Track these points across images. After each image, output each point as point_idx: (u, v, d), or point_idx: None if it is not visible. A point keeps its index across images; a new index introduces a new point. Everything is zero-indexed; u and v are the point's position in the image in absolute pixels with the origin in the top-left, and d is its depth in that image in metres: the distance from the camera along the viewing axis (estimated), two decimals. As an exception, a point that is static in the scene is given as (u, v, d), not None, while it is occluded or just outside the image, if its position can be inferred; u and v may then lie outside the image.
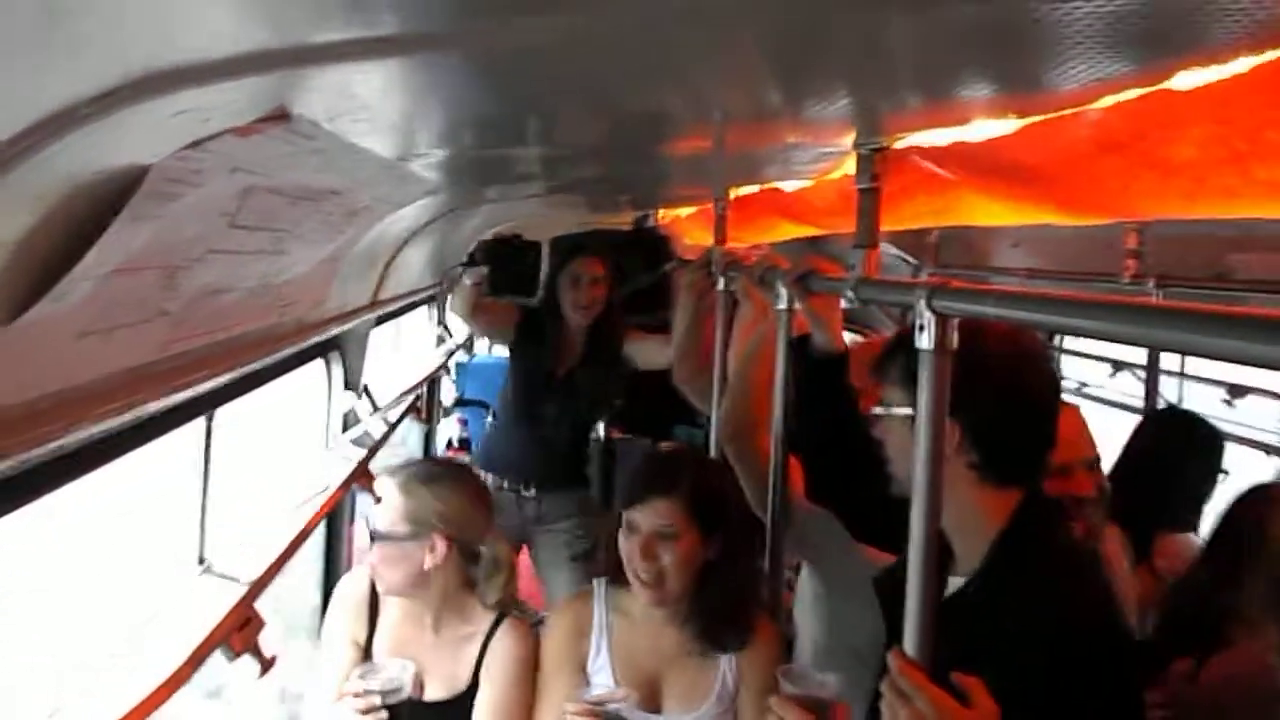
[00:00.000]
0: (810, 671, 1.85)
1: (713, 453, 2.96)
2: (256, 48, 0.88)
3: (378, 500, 2.30)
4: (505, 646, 2.23)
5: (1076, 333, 1.51)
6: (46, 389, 1.17)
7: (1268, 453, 3.47)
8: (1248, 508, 2.18)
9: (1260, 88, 1.01)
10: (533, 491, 3.65)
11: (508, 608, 2.27)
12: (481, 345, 6.56)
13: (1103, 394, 4.46)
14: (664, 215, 5.63)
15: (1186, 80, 1.09)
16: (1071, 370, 4.75)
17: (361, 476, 2.68)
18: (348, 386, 2.94)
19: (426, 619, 2.25)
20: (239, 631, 1.69)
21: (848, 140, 1.94)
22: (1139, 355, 4.08)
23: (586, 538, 3.52)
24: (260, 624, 1.77)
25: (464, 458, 5.52)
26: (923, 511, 1.40)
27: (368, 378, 3.05)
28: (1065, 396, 4.73)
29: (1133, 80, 1.15)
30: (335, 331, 2.51)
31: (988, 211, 2.11)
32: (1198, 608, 2.06)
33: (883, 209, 1.98)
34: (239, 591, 1.87)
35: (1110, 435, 2.95)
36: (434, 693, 2.21)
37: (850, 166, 2.04)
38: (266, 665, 1.79)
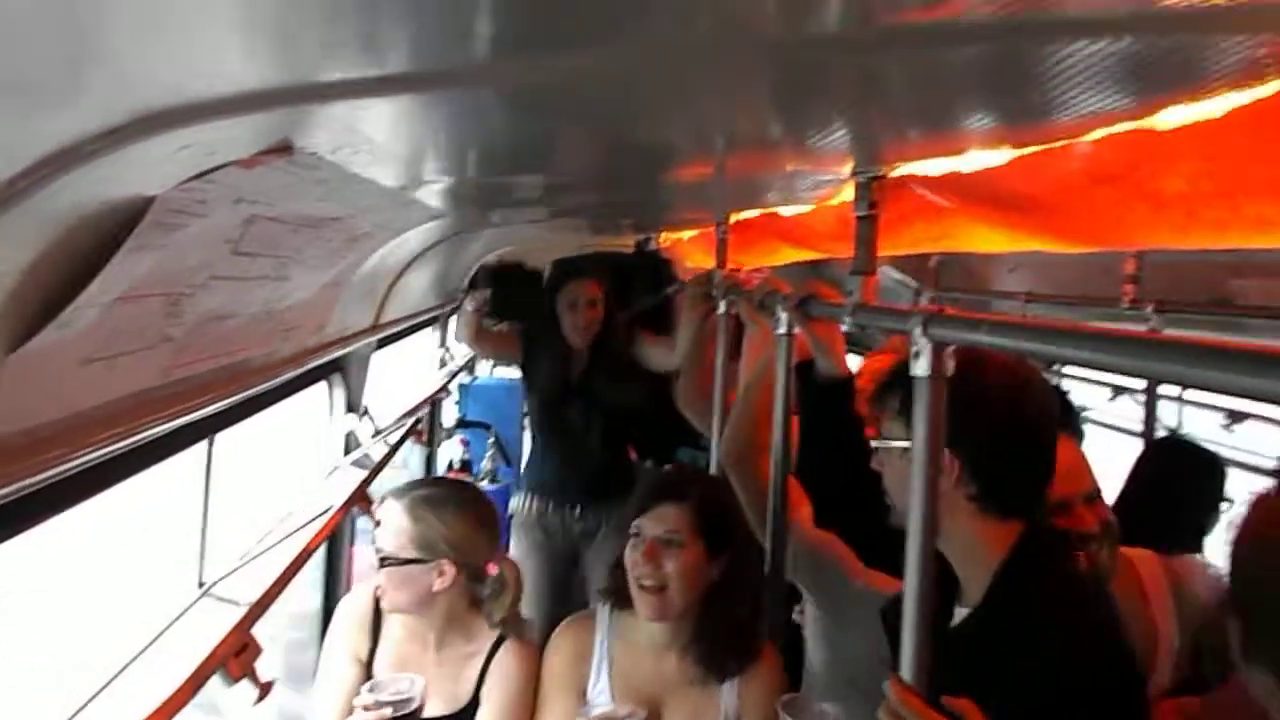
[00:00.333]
0: (811, 702, 1.84)
1: (713, 473, 2.97)
2: (264, 86, 0.89)
3: (377, 524, 2.30)
4: (507, 665, 2.23)
5: (1073, 362, 1.51)
6: (50, 415, 1.18)
7: (1269, 475, 3.47)
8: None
9: (1246, 125, 1.03)
10: (578, 510, 3.71)
11: (511, 627, 2.27)
12: (483, 367, 6.58)
13: (1103, 419, 4.47)
14: (665, 239, 5.66)
15: (1176, 115, 1.10)
16: (1071, 395, 4.74)
17: (361, 499, 2.68)
18: (349, 409, 2.95)
19: (429, 637, 2.25)
20: (237, 656, 1.69)
21: (847, 168, 1.96)
22: (1139, 379, 4.09)
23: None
24: (258, 649, 1.77)
25: (466, 478, 5.52)
26: (918, 540, 1.41)
27: (369, 400, 3.06)
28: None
29: (1124, 115, 1.17)
30: (337, 355, 2.53)
31: (984, 239, 2.13)
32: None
33: (881, 235, 1.99)
34: (238, 614, 1.87)
35: (1113, 459, 2.96)
36: (434, 709, 2.21)
37: (849, 193, 2.05)
38: (264, 691, 1.79)
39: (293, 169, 1.21)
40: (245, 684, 1.76)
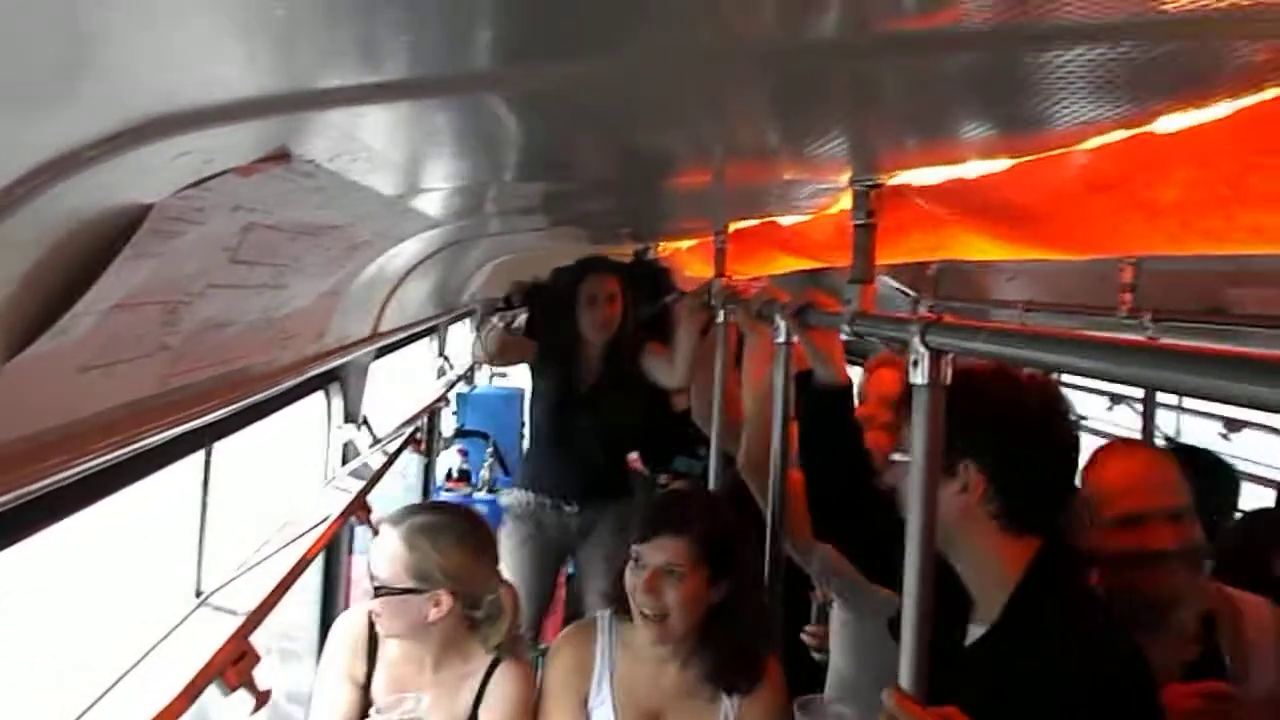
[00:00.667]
0: (826, 705, 1.84)
1: (711, 483, 2.97)
2: (261, 93, 0.90)
3: (376, 533, 2.30)
4: (504, 687, 2.21)
5: (1070, 370, 1.51)
6: (48, 423, 1.18)
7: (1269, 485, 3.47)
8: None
9: (1241, 133, 1.03)
10: (575, 507, 3.73)
11: (507, 650, 2.25)
12: (482, 377, 6.58)
13: (1101, 427, 4.46)
14: (664, 248, 5.66)
15: (1171, 124, 1.10)
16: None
17: (359, 509, 2.68)
18: (347, 419, 2.94)
19: (426, 659, 2.23)
20: (234, 665, 1.69)
21: (845, 177, 1.96)
22: (1137, 388, 4.09)
23: (618, 541, 3.59)
24: (255, 658, 1.77)
25: (464, 490, 5.52)
26: (918, 548, 1.40)
27: (367, 410, 3.06)
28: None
29: (1121, 123, 1.17)
30: (335, 364, 2.53)
31: (980, 247, 2.13)
32: None
33: (879, 243, 1.99)
34: (235, 623, 1.87)
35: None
36: None
37: (847, 202, 2.06)
38: (261, 700, 1.78)
39: (290, 176, 1.22)
40: (242, 693, 1.75)
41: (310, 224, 1.63)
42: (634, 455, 4.44)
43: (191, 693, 1.57)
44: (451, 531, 2.18)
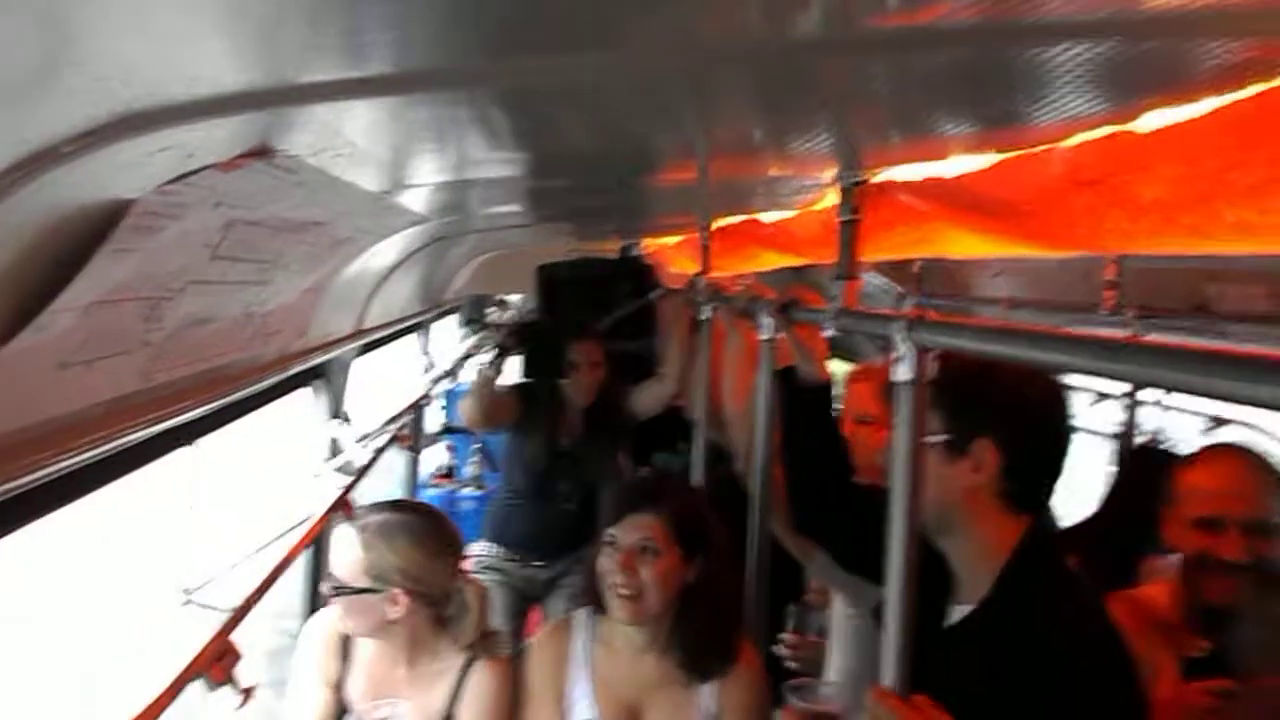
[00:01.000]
0: (818, 686, 1.85)
1: (696, 478, 2.98)
2: (242, 88, 0.89)
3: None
4: (480, 683, 2.21)
5: (1054, 367, 1.51)
6: (27, 420, 1.17)
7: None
8: None
9: (1224, 131, 1.04)
10: (544, 563, 3.73)
11: (480, 648, 2.24)
12: (468, 373, 6.56)
13: (1085, 425, 4.48)
14: (649, 244, 5.66)
15: (1154, 121, 1.11)
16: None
17: (344, 506, 2.67)
18: (332, 415, 2.93)
19: (399, 657, 2.23)
20: (218, 662, 1.68)
21: (829, 173, 1.96)
22: (1120, 384, 4.11)
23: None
24: (238, 655, 1.76)
25: (450, 485, 5.51)
26: (903, 541, 1.41)
27: (353, 407, 3.05)
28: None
29: (1102, 119, 1.18)
30: (319, 360, 2.51)
31: (965, 244, 2.13)
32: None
33: (864, 240, 2.00)
34: (220, 620, 1.86)
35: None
36: None
37: (832, 198, 2.06)
38: (246, 696, 1.78)
39: (273, 172, 1.21)
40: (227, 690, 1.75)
41: (293, 220, 1.62)
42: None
43: (176, 689, 1.56)
44: (408, 531, 2.16)
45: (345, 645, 2.25)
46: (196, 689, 1.66)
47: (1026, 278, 3.57)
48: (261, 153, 1.13)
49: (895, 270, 4.15)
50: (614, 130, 1.50)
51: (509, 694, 2.21)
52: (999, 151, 1.46)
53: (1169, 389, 0.90)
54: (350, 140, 1.25)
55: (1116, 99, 1.10)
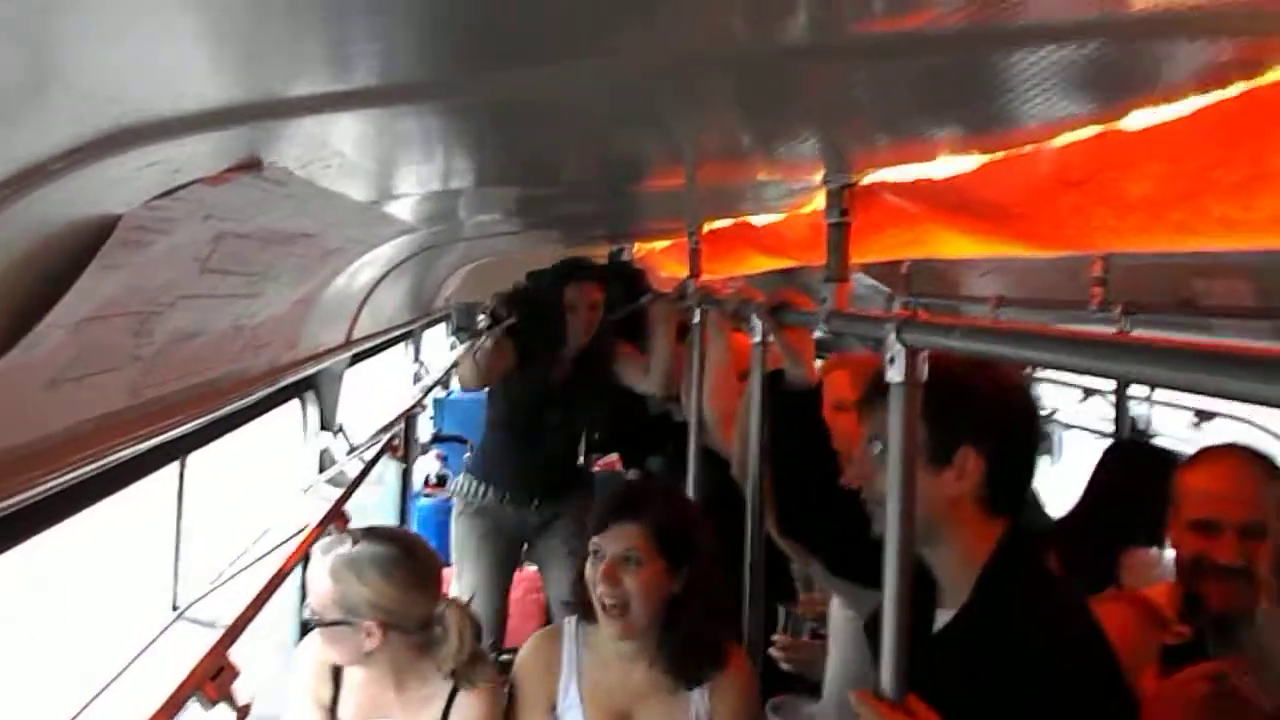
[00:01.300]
0: (799, 704, 1.84)
1: (691, 484, 2.97)
2: (228, 102, 0.89)
3: (355, 541, 2.28)
4: (467, 706, 2.19)
5: (1044, 365, 1.52)
6: (18, 438, 1.17)
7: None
8: None
9: (1208, 128, 1.04)
10: (534, 504, 3.71)
11: (464, 676, 2.21)
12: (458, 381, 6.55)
13: (1074, 421, 4.51)
14: (639, 249, 5.67)
15: (1139, 120, 1.11)
16: (1045, 398, 4.80)
17: (337, 518, 2.66)
18: (323, 426, 2.93)
19: (387, 682, 2.21)
20: (214, 679, 1.67)
21: (818, 176, 1.97)
22: (1108, 380, 4.13)
23: (580, 535, 3.56)
24: (235, 671, 1.75)
25: (442, 495, 5.49)
26: (897, 545, 1.41)
27: (344, 417, 3.04)
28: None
29: (1088, 119, 1.18)
30: (310, 372, 2.51)
31: (954, 244, 2.14)
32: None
33: (853, 242, 2.00)
34: (213, 636, 1.85)
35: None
36: None
37: (821, 201, 2.06)
38: (241, 714, 1.77)
39: (261, 185, 1.21)
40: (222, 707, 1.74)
41: (281, 232, 1.62)
42: (613, 457, 4.46)
43: (172, 708, 1.55)
44: (377, 564, 2.12)
45: (336, 669, 2.23)
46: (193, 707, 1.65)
47: (1015, 277, 3.58)
48: (249, 166, 1.13)
49: (884, 272, 4.16)
50: (601, 137, 1.50)
51: (498, 712, 2.19)
52: (986, 153, 1.47)
53: (1157, 385, 0.90)
54: (338, 151, 1.25)
55: (1101, 100, 1.11)
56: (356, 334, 3.01)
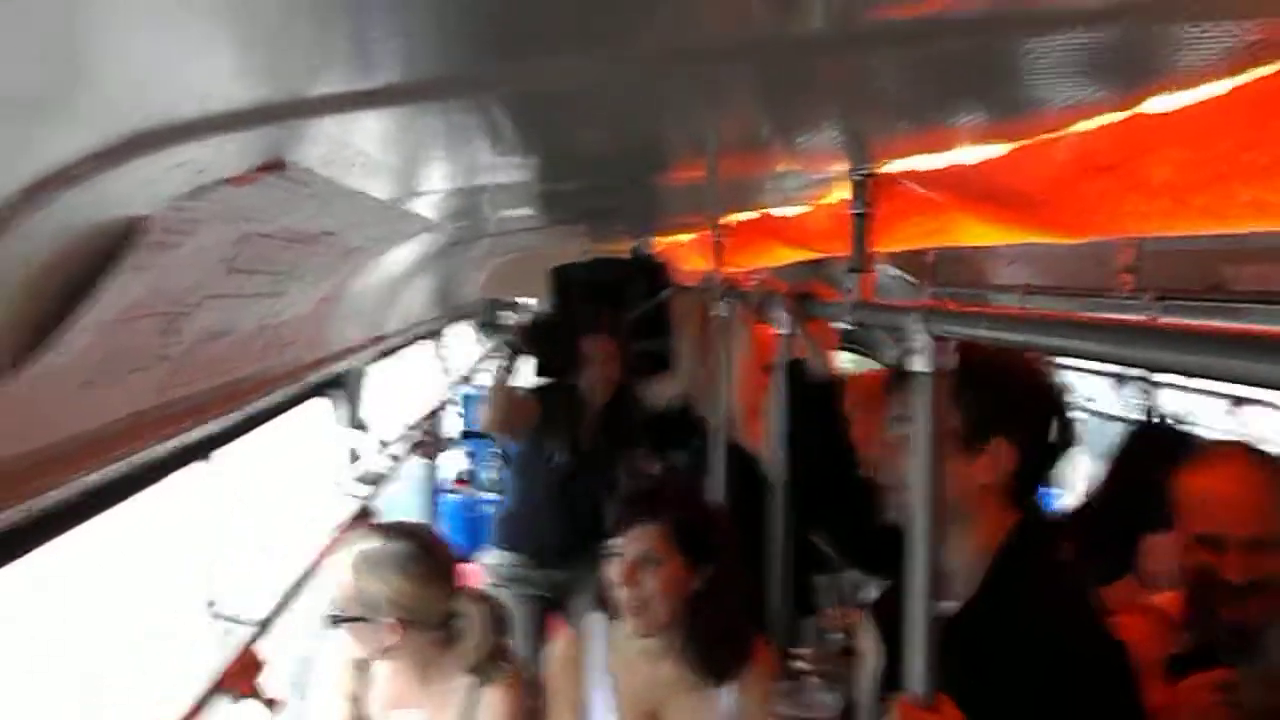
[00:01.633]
0: (810, 690, 1.83)
1: (714, 477, 2.97)
2: (252, 103, 0.89)
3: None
4: (490, 705, 2.20)
5: (1072, 353, 1.49)
6: (50, 439, 1.18)
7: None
8: None
9: (1237, 111, 1.03)
10: (564, 564, 3.71)
11: (486, 671, 2.22)
12: (486, 378, 6.57)
13: (1105, 409, 4.47)
14: (662, 243, 5.66)
15: (1165, 103, 1.10)
16: (1078, 386, 4.75)
17: (365, 515, 2.68)
18: (351, 424, 2.95)
19: (413, 675, 2.23)
20: (244, 673, 1.69)
21: (840, 167, 1.96)
22: (1139, 368, 4.08)
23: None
24: (264, 666, 1.77)
25: (469, 491, 5.51)
26: (924, 536, 1.40)
27: (370, 414, 3.06)
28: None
29: (1111, 105, 1.17)
30: (336, 369, 2.53)
31: (978, 233, 2.12)
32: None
33: (876, 232, 1.99)
34: (246, 633, 1.88)
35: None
36: None
37: (843, 191, 2.06)
38: (271, 707, 1.79)
39: (285, 184, 1.21)
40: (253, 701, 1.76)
41: (306, 231, 1.63)
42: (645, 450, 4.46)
43: (204, 702, 1.57)
44: (395, 561, 2.13)
45: (364, 661, 2.25)
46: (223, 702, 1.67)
47: (1042, 265, 3.54)
48: (273, 166, 1.14)
49: (910, 262, 4.13)
50: (623, 130, 1.50)
51: (520, 714, 2.20)
52: (1009, 140, 1.45)
53: (1188, 373, 0.89)
54: (361, 150, 1.26)
55: (1125, 84, 1.10)
56: (382, 331, 3.03)
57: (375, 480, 2.94)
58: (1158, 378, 4.01)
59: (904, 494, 1.66)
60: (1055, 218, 1.74)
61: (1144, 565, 2.36)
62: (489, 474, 5.58)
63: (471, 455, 5.81)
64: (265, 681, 1.79)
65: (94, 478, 1.29)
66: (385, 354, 3.28)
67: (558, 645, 2.31)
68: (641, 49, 0.96)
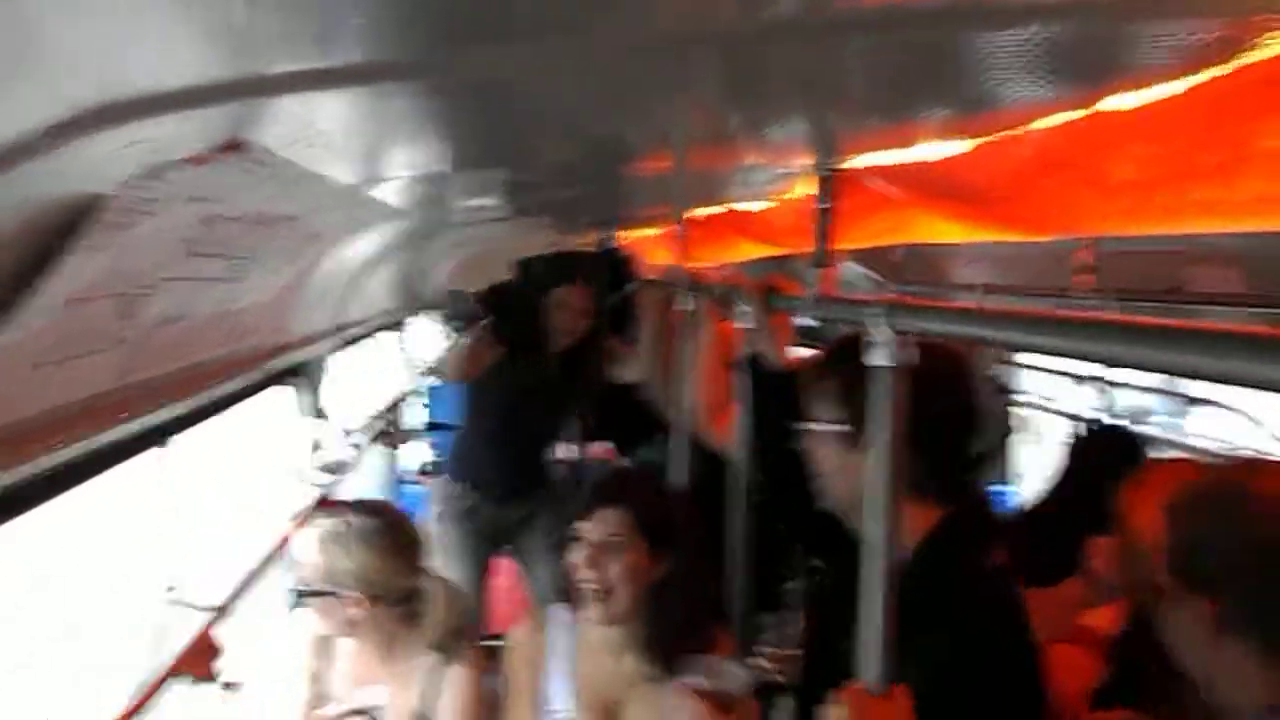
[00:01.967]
0: (719, 663, 1.84)
1: (674, 473, 2.97)
2: (212, 80, 0.88)
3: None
4: (451, 684, 2.20)
5: (1031, 349, 1.50)
6: (2, 420, 1.16)
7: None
8: None
9: (1191, 110, 1.05)
10: (513, 502, 3.71)
11: (449, 649, 2.22)
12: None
13: (1061, 407, 4.53)
14: (628, 236, 5.66)
15: (1123, 102, 1.12)
16: (1033, 385, 4.82)
17: (326, 503, 2.66)
18: (312, 413, 2.92)
19: (376, 653, 2.23)
20: (202, 657, 1.68)
21: (805, 162, 1.97)
22: (1098, 365, 4.15)
23: (560, 529, 3.55)
24: (222, 650, 1.76)
25: (431, 482, 5.48)
26: (880, 531, 1.41)
27: (332, 404, 3.04)
28: (1026, 411, 4.77)
29: (1072, 102, 1.18)
30: (297, 358, 2.50)
31: (940, 230, 2.14)
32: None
33: (840, 228, 2.00)
34: (204, 618, 1.86)
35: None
36: None
37: (808, 186, 2.07)
38: (229, 690, 1.78)
39: (245, 165, 1.20)
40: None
41: (267, 215, 1.61)
42: (607, 446, 4.46)
43: (160, 684, 1.56)
44: (362, 536, 2.14)
45: (326, 640, 2.25)
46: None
47: (1004, 264, 3.59)
48: (233, 146, 1.13)
49: (876, 260, 4.16)
50: (588, 118, 1.50)
51: (481, 695, 2.21)
52: (971, 136, 1.47)
53: (1143, 368, 0.90)
54: (323, 132, 1.25)
55: (1084, 81, 1.11)
56: (345, 320, 3.01)
57: (336, 469, 2.92)
58: (1114, 377, 4.08)
59: (826, 483, 1.71)
60: (1017, 215, 1.76)
61: (1090, 567, 2.39)
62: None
63: (435, 447, 5.78)
64: (223, 665, 1.77)
65: (48, 461, 1.27)
66: (348, 343, 3.26)
67: (518, 634, 2.31)
68: (606, 34, 0.96)
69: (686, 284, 2.93)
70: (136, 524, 2.25)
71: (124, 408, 1.45)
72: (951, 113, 1.36)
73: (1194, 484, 1.26)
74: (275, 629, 2.90)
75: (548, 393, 3.69)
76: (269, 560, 2.20)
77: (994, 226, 1.92)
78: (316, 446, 2.97)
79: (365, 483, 4.27)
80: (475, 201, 2.90)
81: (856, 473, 1.56)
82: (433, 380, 6.10)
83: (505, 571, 4.01)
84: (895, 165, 1.76)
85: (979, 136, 1.45)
